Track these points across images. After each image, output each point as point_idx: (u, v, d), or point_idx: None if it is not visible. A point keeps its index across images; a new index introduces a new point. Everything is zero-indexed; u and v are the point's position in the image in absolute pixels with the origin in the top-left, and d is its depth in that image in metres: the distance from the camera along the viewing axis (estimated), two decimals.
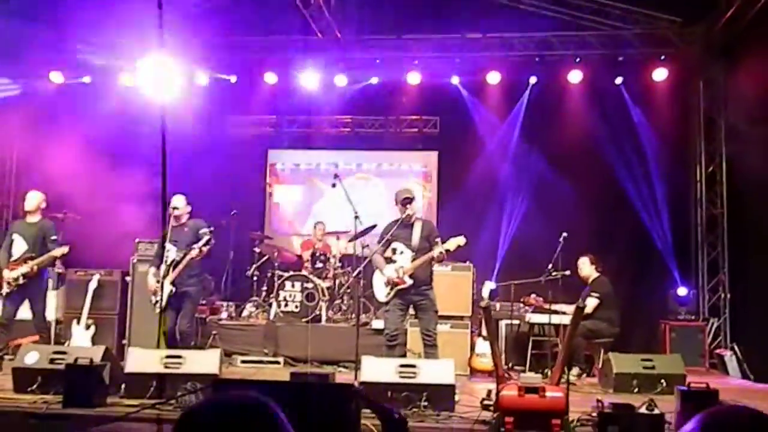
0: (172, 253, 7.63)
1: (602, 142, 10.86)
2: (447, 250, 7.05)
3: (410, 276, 7.14)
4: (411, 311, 7.40)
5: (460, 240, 7.07)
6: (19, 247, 7.97)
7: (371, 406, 2.45)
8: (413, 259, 7.17)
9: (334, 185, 10.47)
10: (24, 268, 7.82)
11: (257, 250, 10.56)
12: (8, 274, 7.85)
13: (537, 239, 9.50)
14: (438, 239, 7.20)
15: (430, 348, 7.17)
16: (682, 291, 10.14)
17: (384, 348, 7.27)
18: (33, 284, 7.92)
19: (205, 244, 7.53)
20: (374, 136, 12.66)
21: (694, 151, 11.08)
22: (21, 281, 7.82)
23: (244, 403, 1.45)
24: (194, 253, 7.51)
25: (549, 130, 11.11)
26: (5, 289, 7.83)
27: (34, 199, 8.14)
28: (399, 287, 7.16)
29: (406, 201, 7.32)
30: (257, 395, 1.48)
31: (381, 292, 7.34)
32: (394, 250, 7.29)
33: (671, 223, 10.80)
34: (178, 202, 7.82)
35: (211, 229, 7.69)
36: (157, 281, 7.62)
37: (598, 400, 5.60)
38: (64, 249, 8.00)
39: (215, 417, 1.40)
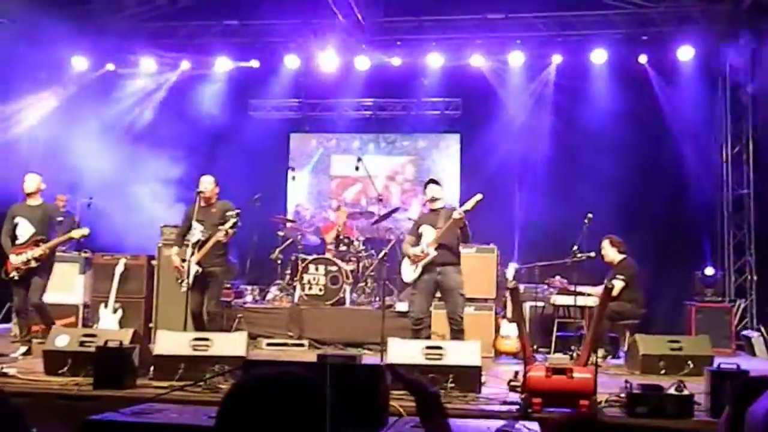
0: (197, 232, 7.63)
1: (627, 121, 10.76)
2: (466, 211, 7.04)
3: (435, 249, 7.18)
4: (437, 295, 7.42)
5: (478, 196, 7.06)
6: (26, 230, 7.85)
7: (403, 381, 2.45)
8: None
9: (357, 168, 10.54)
10: (37, 251, 7.71)
11: (281, 233, 10.59)
12: (16, 259, 7.72)
13: (561, 220, 9.47)
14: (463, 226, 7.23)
15: (458, 333, 7.19)
16: (709, 270, 10.02)
17: (410, 332, 7.30)
18: (41, 266, 7.79)
19: (231, 227, 7.54)
20: (396, 119, 12.63)
21: (719, 131, 10.94)
22: (33, 264, 7.70)
23: (288, 377, 1.48)
24: (220, 235, 7.52)
25: (573, 110, 11.03)
26: (14, 275, 7.72)
27: (33, 181, 7.98)
28: (423, 261, 7.20)
29: (428, 182, 7.41)
30: (300, 371, 1.51)
31: (407, 272, 7.40)
32: (420, 235, 7.34)
33: (697, 203, 10.69)
34: (206, 183, 7.82)
35: (238, 211, 7.69)
36: (182, 260, 7.65)
37: (626, 382, 5.58)
38: (84, 231, 7.98)
39: (261, 390, 1.43)
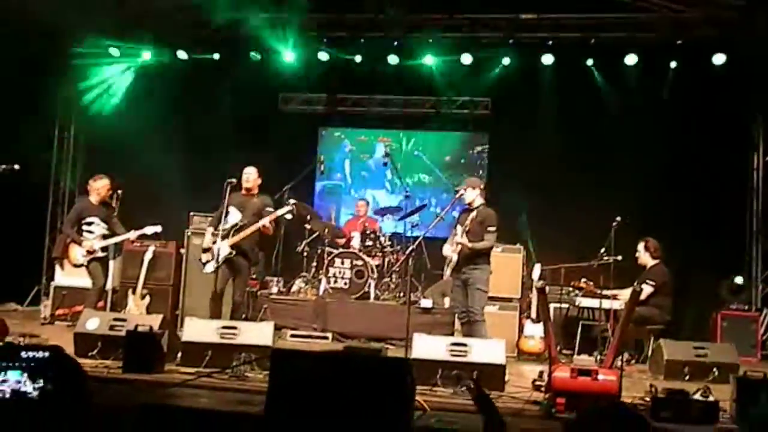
0: (233, 216, 7.83)
1: (658, 126, 10.68)
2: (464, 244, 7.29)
3: (458, 254, 7.39)
4: None
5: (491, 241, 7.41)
6: (97, 228, 8.49)
7: (479, 401, 2.52)
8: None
9: (385, 164, 10.58)
10: (104, 243, 8.49)
11: (308, 226, 10.63)
12: (87, 246, 8.41)
13: (588, 223, 9.43)
14: (490, 228, 7.37)
15: (466, 325, 7.34)
16: (739, 279, 9.95)
17: (461, 327, 7.60)
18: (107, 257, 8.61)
19: (285, 213, 7.97)
20: (425, 117, 12.64)
21: (751, 138, 10.84)
22: (99, 254, 8.44)
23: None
24: (264, 223, 7.79)
25: (603, 112, 10.96)
26: (83, 261, 8.43)
27: (104, 186, 8.61)
28: (450, 264, 7.45)
29: (463, 180, 7.65)
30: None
31: (446, 271, 7.62)
32: (455, 233, 7.50)
33: (726, 211, 10.61)
34: (250, 173, 8.05)
35: (295, 201, 8.17)
36: (213, 242, 7.80)
37: (651, 385, 5.58)
38: (157, 228, 8.50)
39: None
